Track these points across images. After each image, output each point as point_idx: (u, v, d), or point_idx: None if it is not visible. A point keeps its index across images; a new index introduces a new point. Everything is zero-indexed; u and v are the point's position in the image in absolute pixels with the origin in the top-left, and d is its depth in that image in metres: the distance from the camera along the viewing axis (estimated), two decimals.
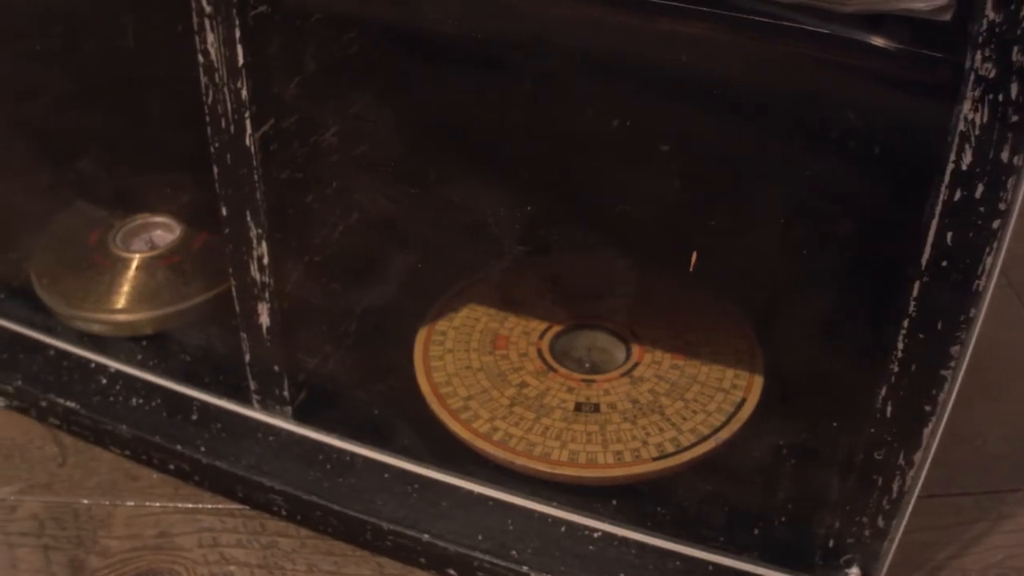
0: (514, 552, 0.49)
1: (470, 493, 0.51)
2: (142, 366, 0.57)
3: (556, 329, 0.55)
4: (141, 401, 0.56)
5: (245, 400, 0.54)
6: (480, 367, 0.54)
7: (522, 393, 0.52)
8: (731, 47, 0.39)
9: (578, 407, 0.52)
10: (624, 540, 0.49)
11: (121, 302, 0.58)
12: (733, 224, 0.55)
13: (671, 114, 0.50)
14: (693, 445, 0.51)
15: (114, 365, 0.57)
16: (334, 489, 0.51)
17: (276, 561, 0.51)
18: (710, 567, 0.49)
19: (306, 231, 0.51)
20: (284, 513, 0.52)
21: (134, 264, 0.60)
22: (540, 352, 0.54)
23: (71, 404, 0.56)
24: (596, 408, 0.52)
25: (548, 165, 0.55)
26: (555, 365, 0.53)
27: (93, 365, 0.58)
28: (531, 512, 0.50)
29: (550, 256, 0.59)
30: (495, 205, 0.57)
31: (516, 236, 0.57)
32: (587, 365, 0.55)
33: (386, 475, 0.51)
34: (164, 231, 0.62)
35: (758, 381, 0.53)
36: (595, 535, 0.49)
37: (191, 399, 0.55)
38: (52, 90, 0.63)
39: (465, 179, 0.55)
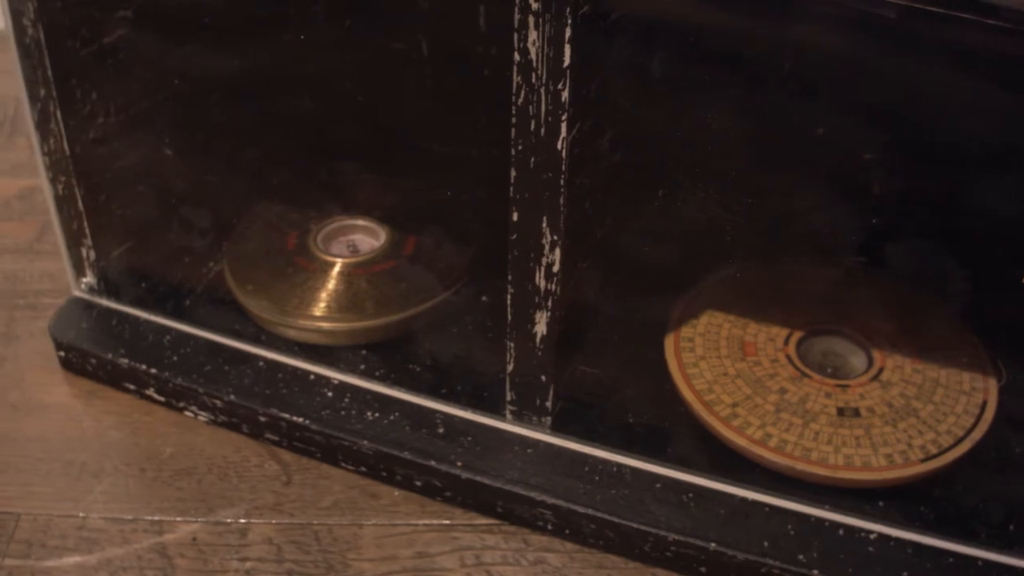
0: (801, 557, 0.49)
1: (744, 500, 0.50)
2: (369, 377, 0.54)
3: (797, 335, 0.56)
4: (377, 415, 0.53)
5: (494, 411, 0.53)
6: (737, 374, 0.53)
7: (784, 399, 0.52)
8: None
9: (840, 411, 0.52)
10: (899, 540, 0.50)
11: (337, 310, 0.55)
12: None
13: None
14: (952, 446, 0.52)
15: (337, 376, 0.54)
16: (608, 501, 0.50)
17: None
18: (979, 563, 0.50)
19: (583, 238, 0.50)
20: (550, 527, 0.51)
21: (338, 269, 0.57)
22: (790, 358, 0.54)
23: (298, 419, 0.53)
24: (857, 412, 0.52)
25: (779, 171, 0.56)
26: (807, 371, 0.54)
27: (312, 377, 0.55)
28: (807, 516, 0.50)
29: (771, 261, 0.59)
30: (723, 213, 0.57)
31: (743, 242, 0.57)
32: (829, 370, 0.55)
33: (658, 485, 0.51)
34: (363, 234, 0.59)
35: (992, 383, 0.55)
36: (871, 536, 0.50)
37: (434, 411, 0.53)
38: (239, 86, 0.59)
39: (710, 187, 0.55)
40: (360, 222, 0.59)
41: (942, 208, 0.55)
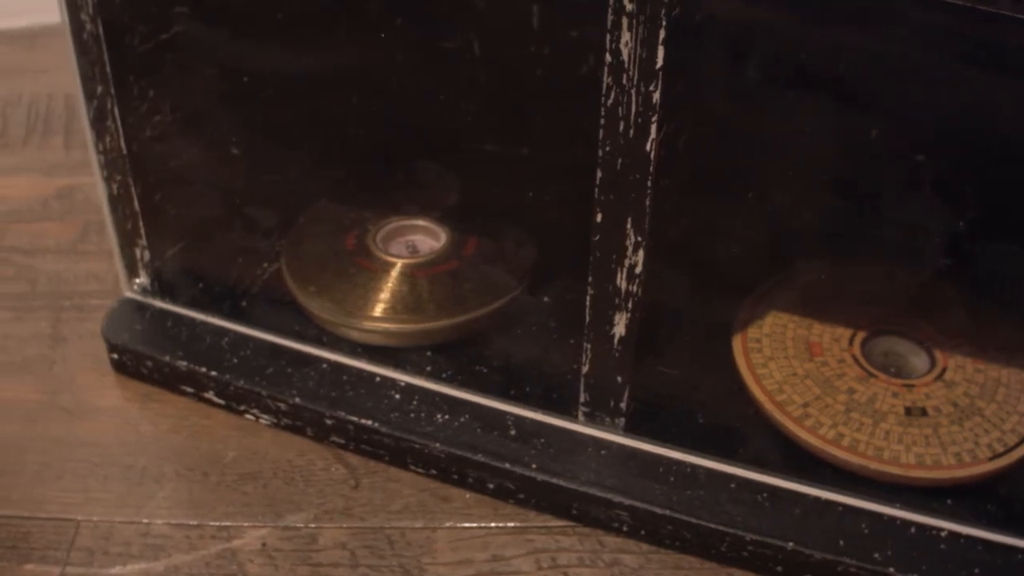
0: (876, 555, 0.49)
1: (818, 499, 0.51)
2: (436, 379, 0.54)
3: (861, 335, 0.56)
4: (447, 417, 0.53)
5: (565, 413, 0.52)
6: (806, 374, 0.54)
7: (853, 399, 0.53)
8: None
9: (908, 411, 0.53)
10: (969, 538, 0.50)
11: (401, 310, 0.54)
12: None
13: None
14: (1017, 445, 0.52)
15: (404, 378, 0.54)
16: (684, 502, 0.50)
17: None
18: None
19: (661, 239, 0.50)
20: (626, 529, 0.50)
21: (399, 270, 0.56)
22: (856, 358, 0.55)
23: (366, 422, 0.52)
24: (924, 412, 0.53)
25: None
26: (873, 371, 0.54)
27: (379, 379, 0.54)
28: (880, 515, 0.50)
29: (830, 262, 0.60)
30: (784, 215, 0.57)
31: (805, 243, 0.57)
32: (891, 370, 0.56)
33: (733, 485, 0.51)
34: (423, 234, 0.58)
35: None
36: (942, 534, 0.50)
37: (504, 413, 0.52)
38: (295, 84, 0.58)
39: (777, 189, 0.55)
40: (419, 222, 0.58)
41: (1007, 210, 0.56)
